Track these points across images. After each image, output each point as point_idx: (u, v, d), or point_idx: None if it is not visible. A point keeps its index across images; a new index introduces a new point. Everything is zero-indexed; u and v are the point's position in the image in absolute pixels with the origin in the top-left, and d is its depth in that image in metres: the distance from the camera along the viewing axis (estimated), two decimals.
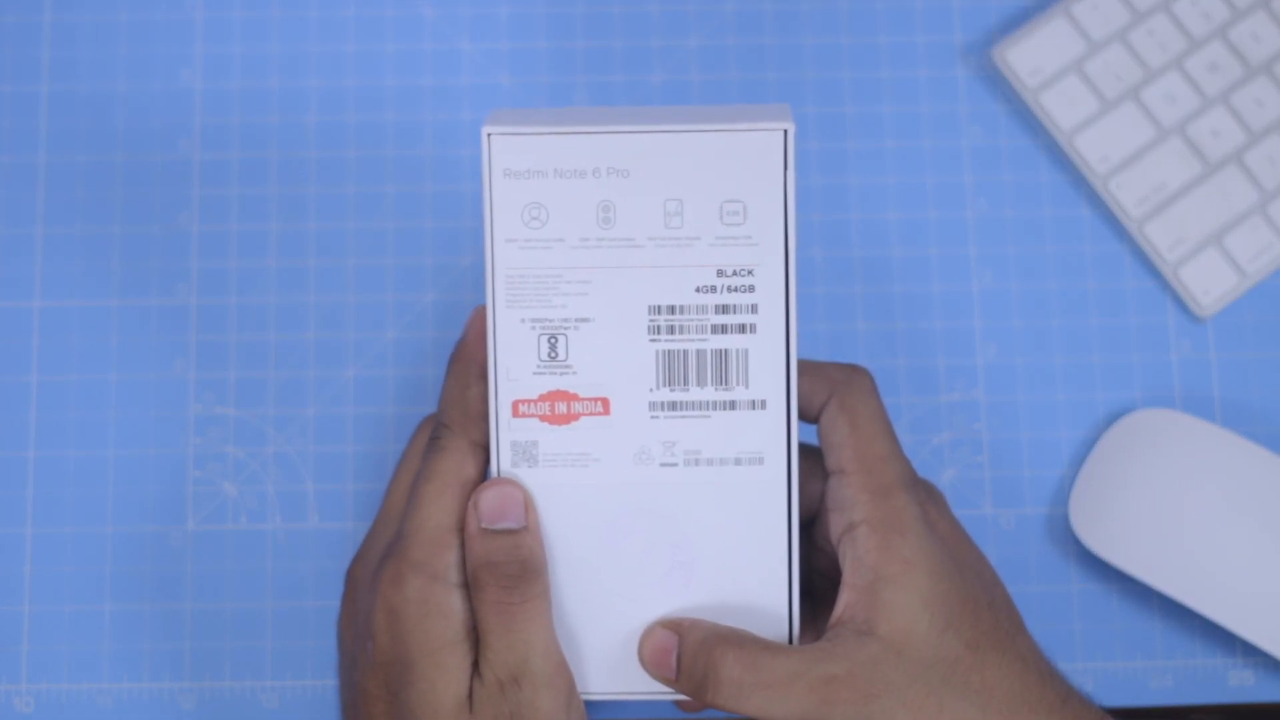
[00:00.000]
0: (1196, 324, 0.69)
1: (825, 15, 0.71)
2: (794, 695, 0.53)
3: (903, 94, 0.71)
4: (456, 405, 0.57)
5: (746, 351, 0.56)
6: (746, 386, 0.56)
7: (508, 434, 0.56)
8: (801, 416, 0.57)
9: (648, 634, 0.57)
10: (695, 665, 0.55)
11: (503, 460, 0.56)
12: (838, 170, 0.70)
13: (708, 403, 0.56)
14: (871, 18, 0.71)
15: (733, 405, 0.56)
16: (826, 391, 0.56)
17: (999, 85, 0.71)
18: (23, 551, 0.66)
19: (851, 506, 0.55)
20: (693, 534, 0.57)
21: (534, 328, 0.56)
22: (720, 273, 0.56)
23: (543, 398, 0.56)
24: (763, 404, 0.56)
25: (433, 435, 0.57)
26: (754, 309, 0.56)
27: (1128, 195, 0.69)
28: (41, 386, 0.67)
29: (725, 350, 0.56)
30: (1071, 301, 0.69)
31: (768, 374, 0.56)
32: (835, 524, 0.55)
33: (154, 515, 0.66)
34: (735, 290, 0.56)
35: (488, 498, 0.55)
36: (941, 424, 0.68)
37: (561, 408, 0.56)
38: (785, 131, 0.55)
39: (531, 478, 0.57)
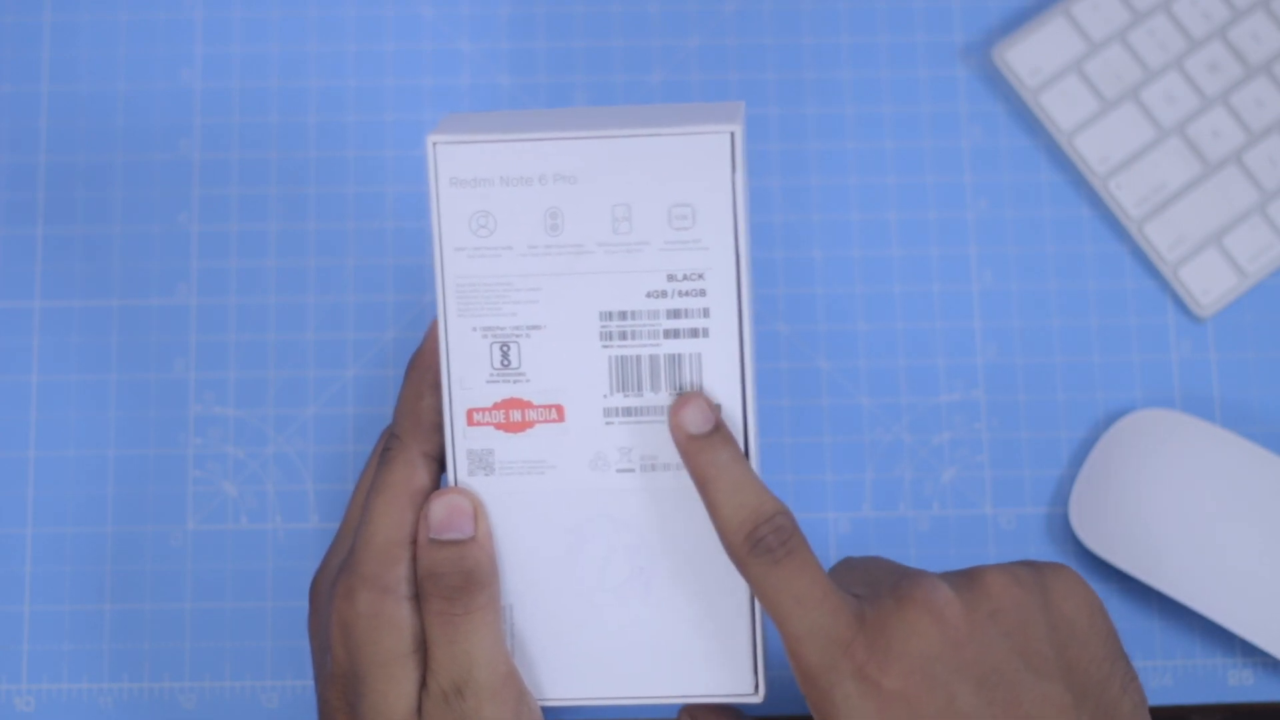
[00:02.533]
0: (1196, 324, 0.69)
1: (825, 15, 0.71)
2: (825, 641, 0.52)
3: (903, 94, 0.71)
4: (409, 415, 0.57)
5: (699, 356, 0.56)
6: (701, 390, 0.56)
7: (463, 443, 0.56)
8: None
9: None
10: (780, 534, 0.53)
11: (459, 469, 0.56)
12: (838, 171, 0.70)
13: (662, 408, 0.56)
14: (871, 18, 0.71)
15: None
16: (734, 561, 0.54)
17: (999, 85, 0.71)
18: (23, 551, 0.66)
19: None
20: (651, 540, 0.56)
21: (485, 336, 0.56)
22: (671, 277, 0.56)
23: (497, 406, 0.56)
24: (718, 407, 0.56)
25: (385, 447, 0.57)
26: (706, 313, 0.55)
27: (1128, 195, 0.69)
28: (41, 386, 0.67)
29: (678, 355, 0.56)
30: (1071, 301, 0.69)
31: (722, 377, 0.56)
32: None
33: (154, 515, 0.66)
34: (686, 294, 0.56)
35: (437, 508, 0.55)
36: (941, 424, 0.68)
37: (516, 415, 0.56)
38: (732, 134, 0.55)
39: (487, 486, 0.56)
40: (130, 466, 0.67)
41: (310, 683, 0.65)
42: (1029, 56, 0.70)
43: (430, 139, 0.55)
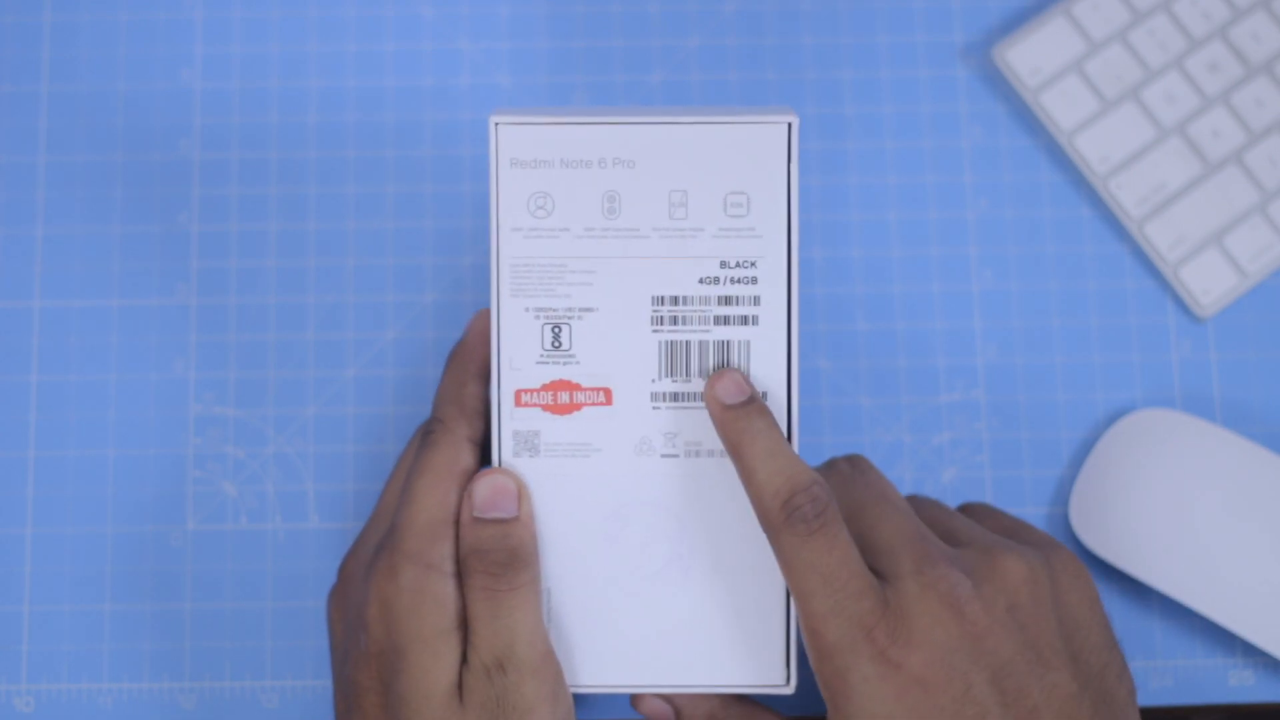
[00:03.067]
0: (1197, 324, 0.69)
1: (825, 15, 0.71)
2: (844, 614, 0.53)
3: (903, 94, 0.71)
4: (453, 401, 0.57)
5: (749, 343, 0.56)
6: (748, 378, 0.56)
7: (510, 423, 0.57)
8: None
9: (642, 700, 0.58)
10: (816, 504, 0.54)
11: (504, 449, 0.57)
12: (838, 170, 0.70)
13: None
14: (871, 18, 0.71)
15: None
16: (765, 531, 0.54)
17: (999, 85, 0.71)
18: (23, 551, 0.66)
19: (808, 655, 0.54)
20: (692, 526, 0.57)
21: (538, 317, 0.57)
22: (724, 264, 0.56)
23: (545, 387, 0.57)
24: (764, 396, 0.56)
25: (426, 430, 0.57)
26: (756, 301, 0.56)
27: (1128, 195, 0.69)
28: (41, 386, 0.67)
29: (727, 341, 0.56)
30: (1071, 301, 0.69)
31: (769, 366, 0.56)
32: None
33: (154, 515, 0.66)
34: (738, 282, 0.56)
35: (481, 487, 0.56)
36: (941, 424, 0.68)
37: (564, 397, 0.57)
38: (790, 125, 0.56)
39: (532, 467, 0.57)
40: (130, 466, 0.67)
41: (311, 682, 0.65)
42: (1029, 56, 0.70)
43: (492, 119, 0.56)
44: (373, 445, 0.67)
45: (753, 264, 0.56)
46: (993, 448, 0.67)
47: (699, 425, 0.56)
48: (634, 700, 0.59)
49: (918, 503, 0.59)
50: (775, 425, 0.55)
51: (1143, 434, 0.66)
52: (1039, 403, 0.68)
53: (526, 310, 0.57)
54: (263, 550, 0.66)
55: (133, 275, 0.68)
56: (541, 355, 0.57)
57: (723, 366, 0.56)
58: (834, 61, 0.71)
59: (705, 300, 0.56)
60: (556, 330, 0.57)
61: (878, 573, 0.54)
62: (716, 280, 0.56)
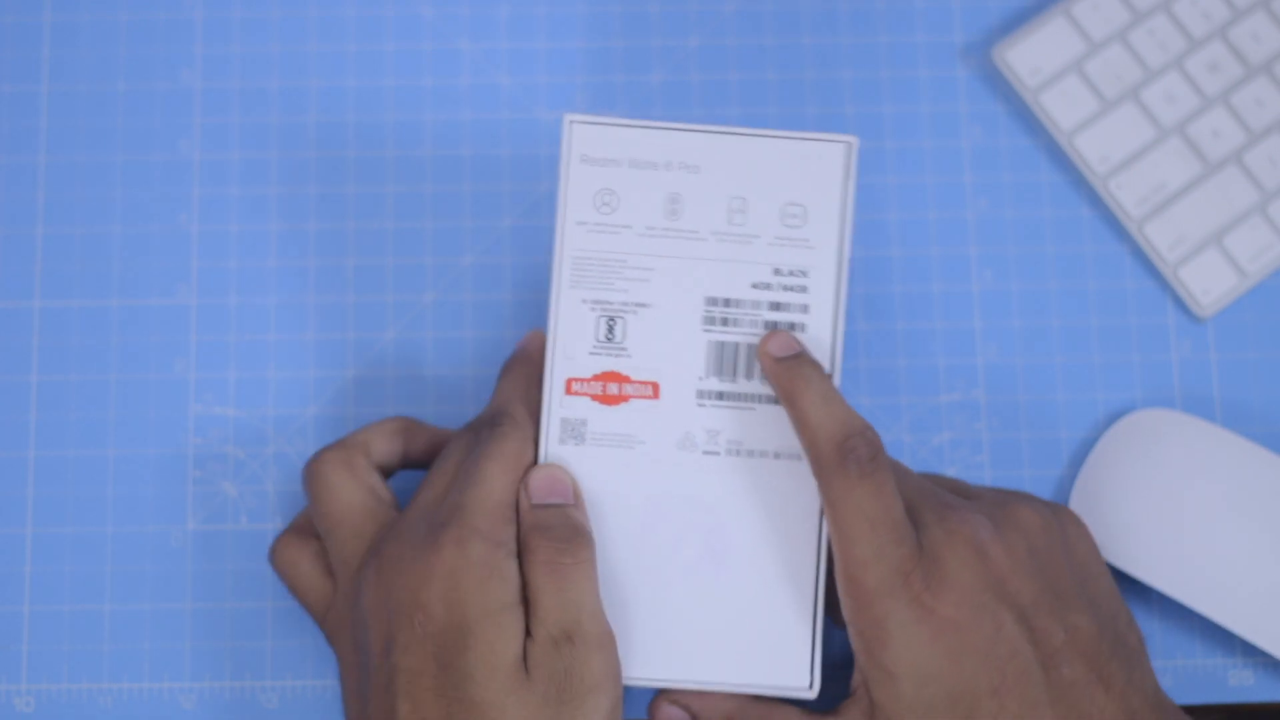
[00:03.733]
0: (1196, 324, 0.69)
1: (825, 15, 0.71)
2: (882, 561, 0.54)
3: (903, 94, 0.71)
4: (521, 401, 0.59)
5: None
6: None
7: (559, 411, 0.58)
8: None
9: (657, 706, 0.58)
10: (869, 447, 0.55)
11: (551, 436, 0.58)
12: None
13: (754, 395, 0.58)
14: (871, 18, 0.71)
15: (776, 400, 0.58)
16: (817, 475, 0.55)
17: (999, 85, 0.71)
18: (23, 551, 0.66)
19: (843, 607, 0.55)
20: (727, 523, 0.58)
21: (594, 309, 0.58)
22: (777, 271, 0.58)
23: (596, 378, 0.58)
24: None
25: (494, 422, 0.58)
26: (805, 309, 0.58)
27: (1128, 195, 0.69)
28: (41, 386, 0.67)
29: None
30: (1071, 301, 0.69)
31: None
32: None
33: (154, 515, 0.66)
34: (789, 289, 0.58)
35: (538, 477, 0.57)
36: (941, 424, 0.68)
37: (613, 389, 0.58)
38: (850, 144, 0.59)
39: (578, 455, 0.58)
40: (130, 466, 0.67)
41: (311, 682, 0.65)
42: (1029, 56, 0.70)
43: (567, 118, 0.59)
44: None
45: (804, 273, 0.58)
46: (992, 448, 0.67)
47: (743, 425, 0.58)
48: (651, 708, 0.59)
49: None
50: (826, 375, 0.56)
51: (1142, 434, 0.66)
52: (1039, 403, 0.68)
53: (584, 301, 0.59)
54: (263, 550, 0.66)
55: (133, 275, 0.68)
56: (595, 346, 0.58)
57: (778, 332, 0.58)
58: (834, 61, 0.71)
59: (756, 304, 0.58)
60: (611, 323, 0.58)
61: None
62: (769, 286, 0.58)
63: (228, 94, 0.70)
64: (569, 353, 0.58)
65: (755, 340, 0.58)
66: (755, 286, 0.58)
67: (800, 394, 0.56)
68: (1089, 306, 0.69)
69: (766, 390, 0.58)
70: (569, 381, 0.58)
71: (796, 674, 0.57)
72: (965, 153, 0.70)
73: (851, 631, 0.54)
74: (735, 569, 0.58)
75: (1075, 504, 0.66)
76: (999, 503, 0.57)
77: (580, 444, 0.58)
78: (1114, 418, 0.68)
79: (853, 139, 0.59)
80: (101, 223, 0.69)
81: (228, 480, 0.67)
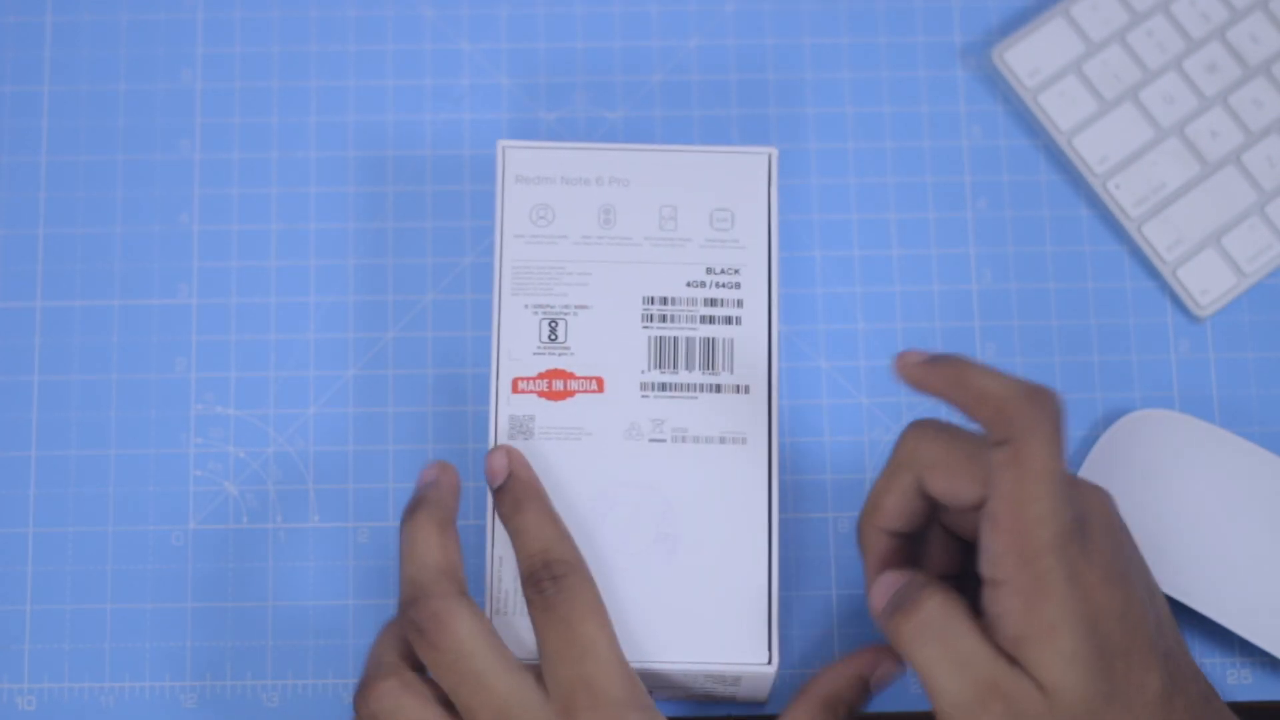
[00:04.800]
0: (1195, 324, 0.69)
1: (825, 15, 0.71)
2: (963, 675, 0.54)
3: (903, 94, 0.71)
4: (563, 540, 0.59)
5: (732, 341, 0.61)
6: (731, 372, 0.61)
7: (506, 408, 0.61)
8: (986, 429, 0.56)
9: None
10: (908, 591, 0.56)
11: (500, 432, 0.60)
12: (838, 170, 0.70)
13: (695, 385, 0.61)
14: (871, 18, 0.71)
15: (718, 388, 0.61)
16: (1004, 433, 0.54)
17: (998, 85, 0.71)
18: (24, 551, 0.66)
19: (996, 563, 0.54)
20: (678, 507, 0.60)
21: (536, 313, 0.61)
22: (709, 270, 0.61)
23: (541, 375, 0.61)
24: (746, 389, 0.61)
25: (552, 573, 0.57)
26: (739, 304, 0.61)
27: (1127, 195, 0.69)
28: (43, 386, 0.67)
29: (712, 339, 0.61)
30: (1071, 301, 0.69)
31: (751, 362, 0.61)
32: (982, 562, 0.55)
33: (155, 515, 0.66)
34: (723, 286, 0.61)
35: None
36: None
37: (558, 385, 0.61)
38: (770, 155, 0.62)
39: (526, 449, 0.60)
40: (131, 466, 0.67)
41: (311, 682, 0.65)
42: (1028, 57, 0.70)
43: (500, 144, 0.63)
44: (373, 445, 0.67)
45: (736, 271, 0.61)
46: None
47: (686, 413, 0.60)
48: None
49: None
50: (973, 358, 0.58)
51: (1141, 434, 0.66)
52: None
53: (526, 306, 0.61)
54: (263, 550, 0.66)
55: (134, 275, 0.68)
56: (539, 347, 0.61)
57: (711, 361, 0.61)
58: (834, 61, 0.71)
59: (693, 301, 0.61)
60: (553, 324, 0.61)
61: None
62: (703, 284, 0.61)
63: (228, 94, 0.70)
64: (514, 355, 0.61)
65: (693, 335, 0.61)
66: (690, 285, 0.61)
67: (967, 373, 0.55)
68: (1088, 306, 0.69)
69: (707, 380, 0.60)
70: (515, 380, 0.61)
71: (755, 650, 0.59)
72: (965, 153, 0.70)
73: (1003, 591, 0.54)
74: (688, 551, 0.59)
75: None
76: (1079, 484, 0.57)
77: (529, 438, 0.60)
78: (1113, 418, 0.68)
79: (773, 150, 0.63)
80: (103, 223, 0.69)
81: (228, 480, 0.67)
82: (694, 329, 0.61)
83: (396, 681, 0.57)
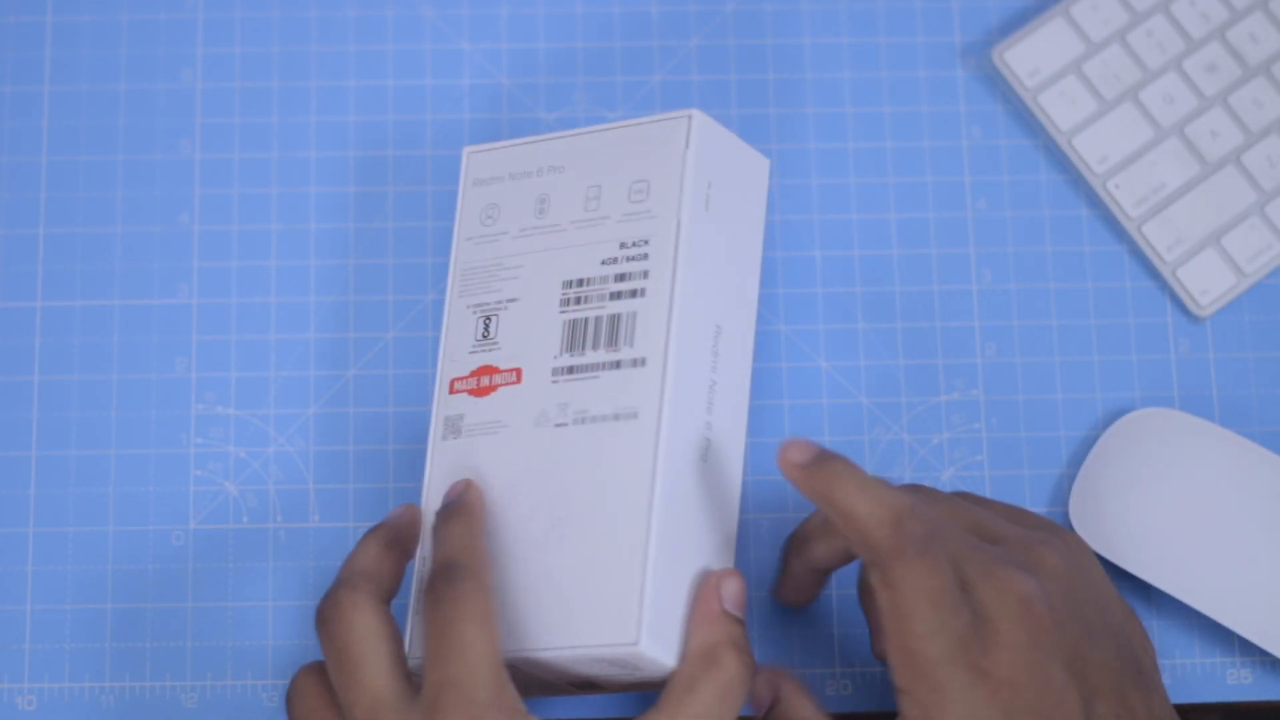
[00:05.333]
0: (1195, 324, 0.69)
1: (825, 15, 0.72)
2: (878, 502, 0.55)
3: (903, 94, 0.71)
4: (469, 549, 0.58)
5: (635, 314, 0.59)
6: (631, 346, 0.59)
7: (442, 410, 0.61)
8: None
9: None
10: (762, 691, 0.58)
11: (436, 435, 0.61)
12: (838, 170, 0.70)
13: (599, 364, 0.59)
14: (871, 18, 0.71)
15: (618, 365, 0.59)
16: (871, 558, 0.55)
17: (998, 85, 0.71)
18: (25, 551, 0.66)
19: (896, 672, 0.55)
20: (570, 493, 0.58)
21: (475, 311, 0.62)
22: (622, 244, 0.60)
23: (473, 374, 0.61)
24: (642, 361, 0.58)
25: (447, 576, 0.57)
26: (645, 275, 0.59)
27: (1126, 195, 0.69)
28: (43, 386, 0.67)
29: (618, 315, 0.59)
30: (1071, 301, 0.69)
31: (651, 334, 0.59)
32: (888, 666, 0.56)
33: (155, 514, 0.66)
34: (632, 259, 0.60)
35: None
36: (941, 424, 0.68)
37: (485, 381, 0.61)
38: (690, 117, 0.60)
39: (455, 448, 0.60)
40: (131, 466, 0.67)
41: None
42: (1028, 57, 0.70)
43: (465, 150, 0.63)
44: (373, 445, 0.67)
45: (646, 242, 0.60)
46: (992, 447, 0.67)
47: (589, 393, 0.59)
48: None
49: (930, 496, 0.59)
50: (855, 465, 0.56)
51: (1141, 433, 0.66)
52: (1038, 402, 0.68)
53: (468, 307, 0.62)
54: (263, 550, 0.66)
55: (134, 275, 0.68)
56: (473, 345, 0.61)
57: (616, 338, 0.59)
58: (834, 61, 0.71)
59: (604, 279, 0.60)
60: (487, 321, 0.61)
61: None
62: (615, 260, 0.60)
63: (228, 94, 0.70)
64: (453, 356, 0.61)
65: (601, 313, 0.59)
66: (604, 263, 0.60)
67: (836, 491, 0.55)
68: (1088, 306, 0.69)
69: (609, 358, 0.59)
70: (451, 382, 0.61)
71: (623, 629, 0.56)
72: (965, 153, 0.70)
73: (906, 699, 0.54)
74: (575, 536, 0.58)
75: (1075, 504, 0.66)
76: (1023, 545, 0.57)
77: (457, 437, 0.60)
78: (1113, 417, 0.68)
79: (695, 111, 0.60)
80: (103, 223, 0.69)
81: (228, 480, 0.67)
82: (604, 307, 0.59)
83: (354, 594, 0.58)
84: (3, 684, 0.65)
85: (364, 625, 0.56)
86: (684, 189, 0.59)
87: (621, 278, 0.59)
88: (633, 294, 0.59)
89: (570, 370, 0.59)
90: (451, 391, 0.61)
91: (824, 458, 0.56)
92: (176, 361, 0.68)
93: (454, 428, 0.60)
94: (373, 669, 0.56)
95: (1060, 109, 0.70)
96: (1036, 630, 0.54)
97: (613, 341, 0.59)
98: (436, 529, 0.58)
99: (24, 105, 0.70)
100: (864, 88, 0.71)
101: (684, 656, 0.57)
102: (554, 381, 0.59)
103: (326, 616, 0.57)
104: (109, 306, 0.68)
